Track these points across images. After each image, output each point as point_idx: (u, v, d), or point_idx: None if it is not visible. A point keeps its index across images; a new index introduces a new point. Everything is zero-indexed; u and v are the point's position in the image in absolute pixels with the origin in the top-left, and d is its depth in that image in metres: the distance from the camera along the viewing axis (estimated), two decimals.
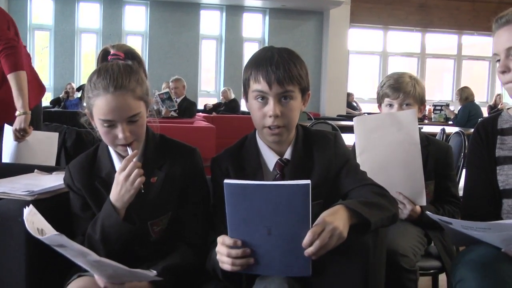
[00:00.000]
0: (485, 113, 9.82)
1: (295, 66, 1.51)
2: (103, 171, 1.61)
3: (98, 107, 1.50)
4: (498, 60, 1.59)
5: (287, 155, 1.60)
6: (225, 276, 1.38)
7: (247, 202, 1.26)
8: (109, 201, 1.50)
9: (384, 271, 1.63)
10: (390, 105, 2.14)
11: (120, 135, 1.50)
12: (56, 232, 1.28)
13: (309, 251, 1.25)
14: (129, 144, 1.52)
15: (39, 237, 1.29)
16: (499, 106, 10.94)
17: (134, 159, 1.49)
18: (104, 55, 1.64)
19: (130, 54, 1.65)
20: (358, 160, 1.93)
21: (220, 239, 1.33)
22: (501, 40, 1.58)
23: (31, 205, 1.41)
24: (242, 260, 1.30)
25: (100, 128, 1.53)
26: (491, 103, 11.86)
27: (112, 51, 1.63)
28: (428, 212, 1.64)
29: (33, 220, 1.36)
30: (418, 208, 2.00)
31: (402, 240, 1.85)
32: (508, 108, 1.76)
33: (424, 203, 1.98)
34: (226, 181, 1.26)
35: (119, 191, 1.48)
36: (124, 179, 1.47)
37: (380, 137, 2.00)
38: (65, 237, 1.27)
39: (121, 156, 1.59)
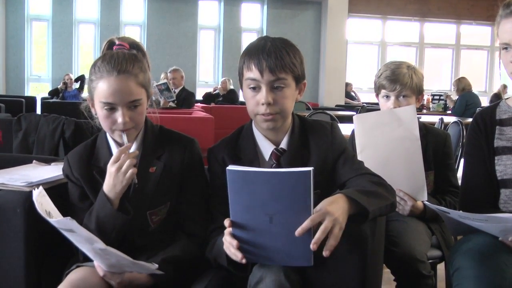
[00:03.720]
0: (486, 102, 9.78)
1: (288, 54, 1.50)
2: (101, 161, 1.61)
3: (100, 90, 1.51)
4: (505, 48, 1.58)
5: (283, 144, 1.59)
6: (230, 263, 1.38)
7: (249, 189, 1.27)
8: (103, 192, 1.51)
9: (382, 260, 1.64)
10: (387, 97, 2.12)
11: (120, 120, 1.51)
12: (67, 217, 1.29)
13: (313, 246, 1.25)
14: (125, 131, 1.53)
15: (48, 219, 1.31)
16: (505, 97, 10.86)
17: (127, 151, 1.50)
18: (109, 46, 1.67)
19: (135, 45, 1.69)
20: (359, 157, 1.92)
21: (227, 225, 1.33)
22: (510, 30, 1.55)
23: (40, 187, 1.43)
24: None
25: (99, 112, 1.54)
26: (496, 91, 11.78)
27: (117, 42, 1.66)
28: (426, 202, 1.64)
29: (42, 202, 1.37)
30: (419, 204, 1.99)
31: (417, 243, 1.84)
32: (506, 99, 1.76)
33: (425, 198, 1.97)
34: (228, 167, 1.27)
35: (112, 182, 1.49)
36: (116, 170, 1.48)
37: (380, 134, 1.99)
38: (75, 222, 1.29)
39: (120, 145, 1.59)
